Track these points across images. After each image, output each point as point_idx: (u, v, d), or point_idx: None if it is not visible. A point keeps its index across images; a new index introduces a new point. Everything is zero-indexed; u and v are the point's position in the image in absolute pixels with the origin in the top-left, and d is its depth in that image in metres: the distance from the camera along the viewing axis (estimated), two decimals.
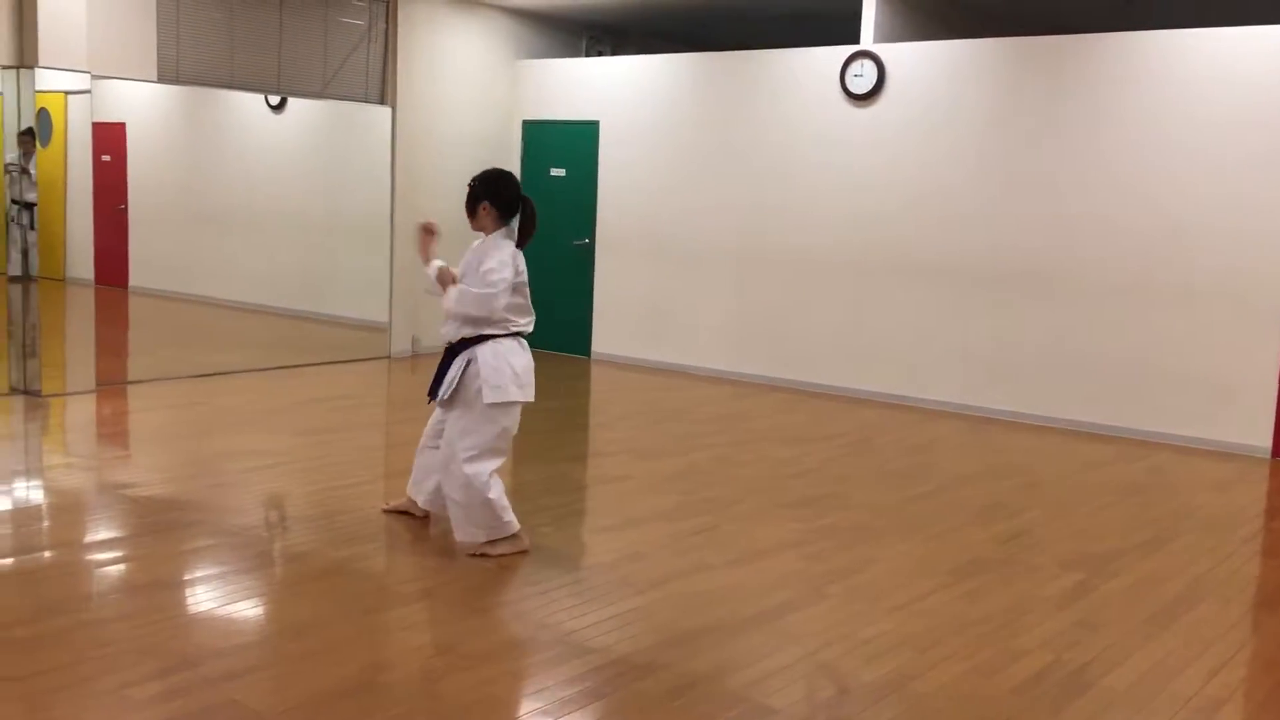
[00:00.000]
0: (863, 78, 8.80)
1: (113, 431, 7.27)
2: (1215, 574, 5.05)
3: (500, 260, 4.69)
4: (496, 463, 4.84)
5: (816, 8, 9.64)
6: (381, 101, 9.81)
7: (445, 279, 4.83)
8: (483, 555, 4.80)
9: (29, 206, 7.79)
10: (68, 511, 5.43)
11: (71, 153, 8.01)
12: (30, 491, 5.78)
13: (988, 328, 8.45)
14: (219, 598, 4.30)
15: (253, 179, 11.49)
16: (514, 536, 4.86)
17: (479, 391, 4.72)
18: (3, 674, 3.53)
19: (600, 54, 11.22)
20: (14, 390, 7.77)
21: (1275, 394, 7.41)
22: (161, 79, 8.33)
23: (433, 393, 4.92)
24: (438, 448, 5.11)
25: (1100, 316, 7.99)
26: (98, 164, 8.50)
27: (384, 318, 10.08)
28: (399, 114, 9.84)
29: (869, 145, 8.85)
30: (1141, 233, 7.80)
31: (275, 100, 10.67)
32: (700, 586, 4.61)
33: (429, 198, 10.01)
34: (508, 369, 4.75)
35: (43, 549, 4.83)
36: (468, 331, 4.78)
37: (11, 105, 7.59)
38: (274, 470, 6.16)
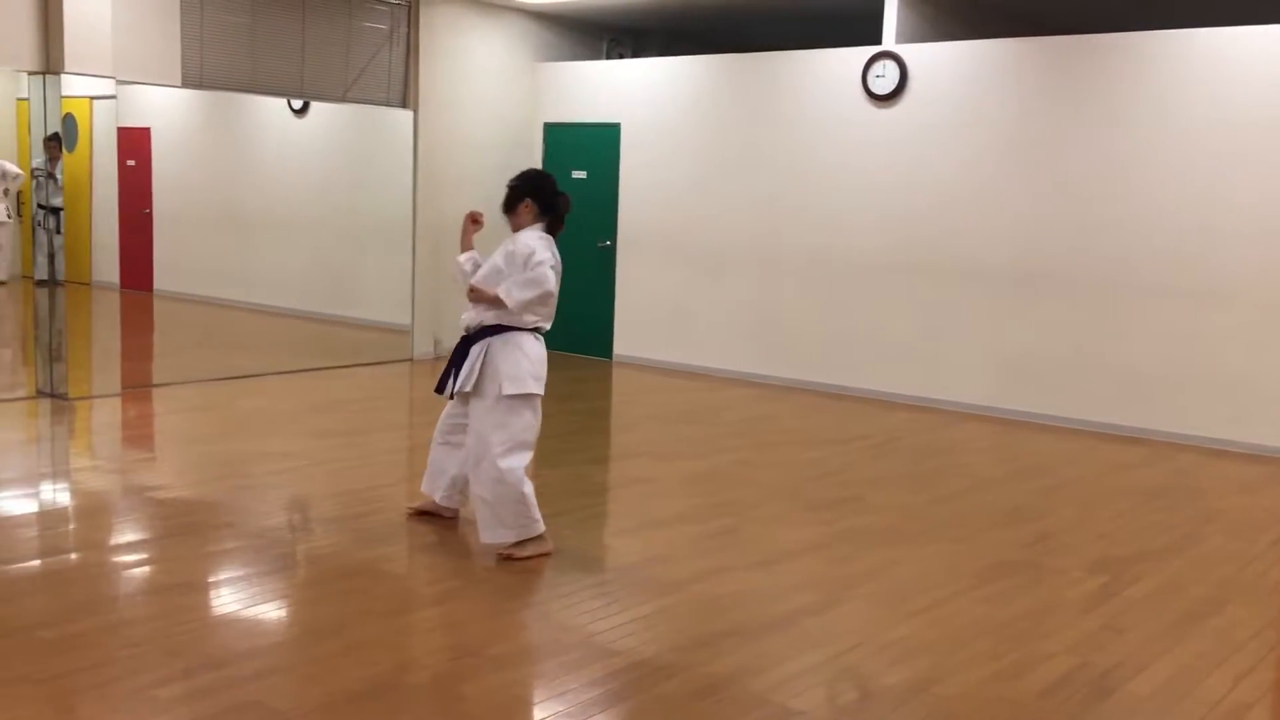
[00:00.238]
0: (885, 78, 8.77)
1: (138, 434, 7.32)
2: (1242, 577, 5.01)
3: (539, 247, 4.75)
4: (528, 457, 4.84)
5: (838, 8, 9.62)
6: (403, 105, 9.85)
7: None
8: (509, 557, 4.81)
9: (55, 211, 7.86)
10: (94, 514, 5.46)
11: (97, 158, 8.07)
12: (57, 494, 5.82)
13: (1013, 329, 8.40)
14: (243, 599, 4.32)
15: (276, 183, 11.56)
16: (539, 538, 4.86)
17: (499, 385, 4.74)
18: (30, 675, 3.56)
19: (621, 56, 11.23)
20: (41, 393, 7.83)
21: None
22: (185, 84, 8.38)
23: (440, 387, 4.94)
24: (448, 444, 5.13)
25: (1126, 317, 7.93)
26: (123, 169, 8.58)
27: (406, 320, 10.10)
28: (421, 117, 9.87)
29: (891, 146, 8.83)
30: (1168, 233, 7.74)
31: (298, 104, 10.73)
32: (723, 589, 4.60)
33: (451, 200, 10.03)
34: (524, 361, 4.76)
35: (69, 551, 4.87)
36: (489, 318, 4.80)
37: (38, 111, 7.65)
38: (297, 472, 6.19)
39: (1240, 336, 7.52)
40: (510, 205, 4.91)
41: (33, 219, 8.03)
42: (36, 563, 4.67)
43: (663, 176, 10.10)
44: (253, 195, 11.77)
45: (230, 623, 4.12)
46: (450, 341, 10.05)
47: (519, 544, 4.82)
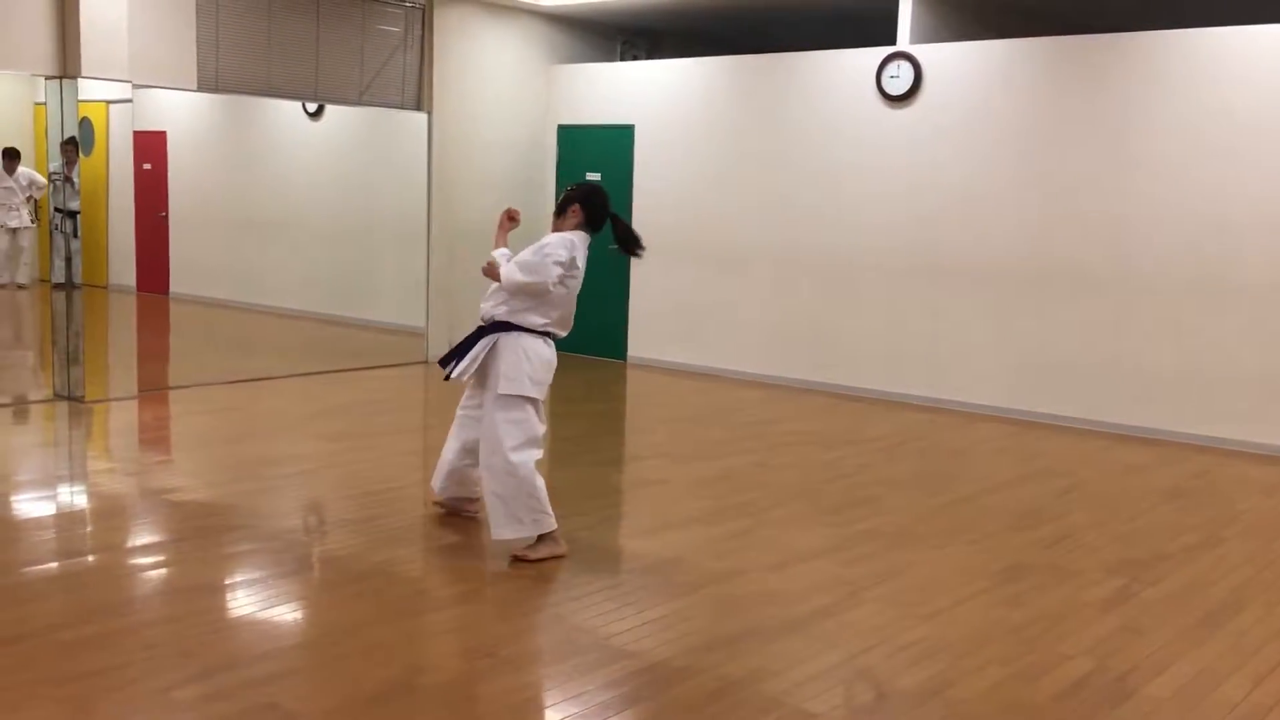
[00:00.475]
0: (899, 79, 8.75)
1: (154, 437, 7.35)
2: (1260, 579, 4.98)
3: (560, 244, 4.76)
4: (538, 453, 4.86)
5: (852, 9, 9.61)
6: (418, 107, 9.87)
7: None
8: (522, 559, 4.81)
9: (72, 215, 7.90)
10: (111, 516, 5.49)
11: (113, 161, 8.11)
12: (74, 496, 5.85)
13: (1028, 330, 8.37)
14: (260, 601, 4.34)
15: (291, 186, 11.59)
16: (552, 540, 4.86)
17: (497, 382, 4.78)
18: (48, 676, 3.58)
19: (635, 58, 11.23)
20: (58, 396, 7.88)
21: None
22: (201, 88, 8.41)
23: (444, 362, 4.96)
24: (455, 436, 5.15)
25: (1143, 317, 7.90)
26: (139, 172, 8.62)
27: (421, 322, 10.12)
28: (435, 120, 9.89)
29: (906, 147, 8.80)
30: (1183, 232, 7.70)
31: (313, 107, 10.76)
32: (738, 591, 4.59)
33: (465, 202, 10.06)
34: (526, 363, 4.78)
35: (87, 553, 4.89)
36: (502, 312, 4.81)
37: (55, 115, 7.69)
38: (313, 475, 6.20)
39: (1257, 336, 7.47)
40: (561, 208, 4.98)
41: (50, 223, 8.07)
42: (54, 565, 4.69)
43: (676, 178, 10.09)
44: (268, 198, 11.81)
45: (246, 624, 4.13)
46: None
47: (532, 545, 4.83)
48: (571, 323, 4.93)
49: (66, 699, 3.44)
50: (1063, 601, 4.61)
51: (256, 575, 4.62)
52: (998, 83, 8.38)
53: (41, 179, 9.38)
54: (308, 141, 11.29)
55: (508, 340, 4.81)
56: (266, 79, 8.80)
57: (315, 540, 5.20)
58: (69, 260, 7.86)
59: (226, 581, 4.57)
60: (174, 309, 11.99)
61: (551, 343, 4.91)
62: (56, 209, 7.94)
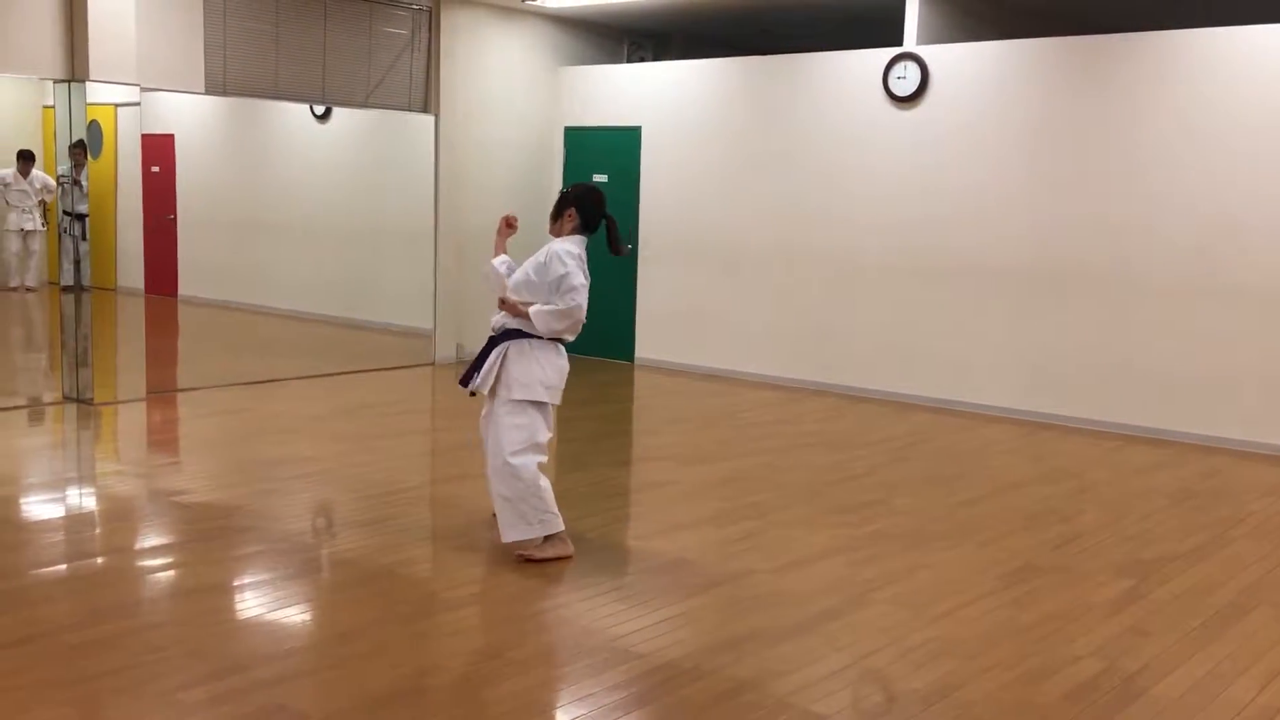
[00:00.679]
0: (906, 80, 8.74)
1: (163, 439, 7.36)
2: (1269, 580, 4.96)
3: (572, 267, 4.77)
4: (541, 459, 4.87)
5: (858, 10, 9.60)
6: (425, 110, 9.88)
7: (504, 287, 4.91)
8: (528, 559, 4.82)
9: (80, 217, 7.92)
10: (119, 518, 5.50)
11: (122, 164, 8.14)
12: (83, 498, 5.86)
13: (1038, 331, 8.36)
14: (268, 603, 4.34)
15: (298, 188, 11.62)
16: (560, 541, 4.87)
17: (510, 389, 4.79)
18: (56, 678, 3.59)
19: (642, 59, 11.23)
20: (67, 398, 7.90)
21: None
22: (209, 91, 8.43)
23: (464, 380, 4.97)
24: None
25: (1152, 318, 7.88)
26: (147, 175, 8.63)
27: (428, 324, 10.13)
28: (442, 122, 9.90)
29: (913, 148, 8.79)
30: (1193, 233, 7.68)
31: (320, 110, 10.78)
32: (746, 592, 4.59)
33: (473, 204, 10.07)
34: (538, 369, 4.80)
35: (95, 555, 4.90)
36: (512, 323, 4.84)
37: (63, 118, 7.71)
38: (321, 477, 6.21)
39: (1266, 336, 7.45)
40: (556, 212, 4.97)
41: (59, 226, 8.10)
42: (63, 567, 4.70)
43: (684, 179, 10.09)
44: (276, 200, 11.84)
45: (254, 626, 4.14)
46: (472, 345, 10.10)
47: (539, 545, 4.84)
48: (580, 328, 4.93)
49: (75, 701, 3.45)
50: (1072, 602, 4.60)
51: (265, 577, 4.63)
52: (1005, 83, 8.37)
53: (53, 182, 9.41)
54: (315, 144, 11.31)
55: (518, 348, 4.83)
56: (274, 82, 8.82)
57: (323, 542, 5.20)
58: (78, 263, 7.88)
59: (235, 583, 4.58)
60: (182, 311, 12.03)
61: (562, 348, 4.93)
62: (65, 212, 7.96)
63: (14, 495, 5.77)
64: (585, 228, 4.93)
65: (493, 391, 4.90)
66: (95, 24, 7.53)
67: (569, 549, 4.89)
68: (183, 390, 8.62)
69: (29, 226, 10.74)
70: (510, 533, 4.84)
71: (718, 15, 10.33)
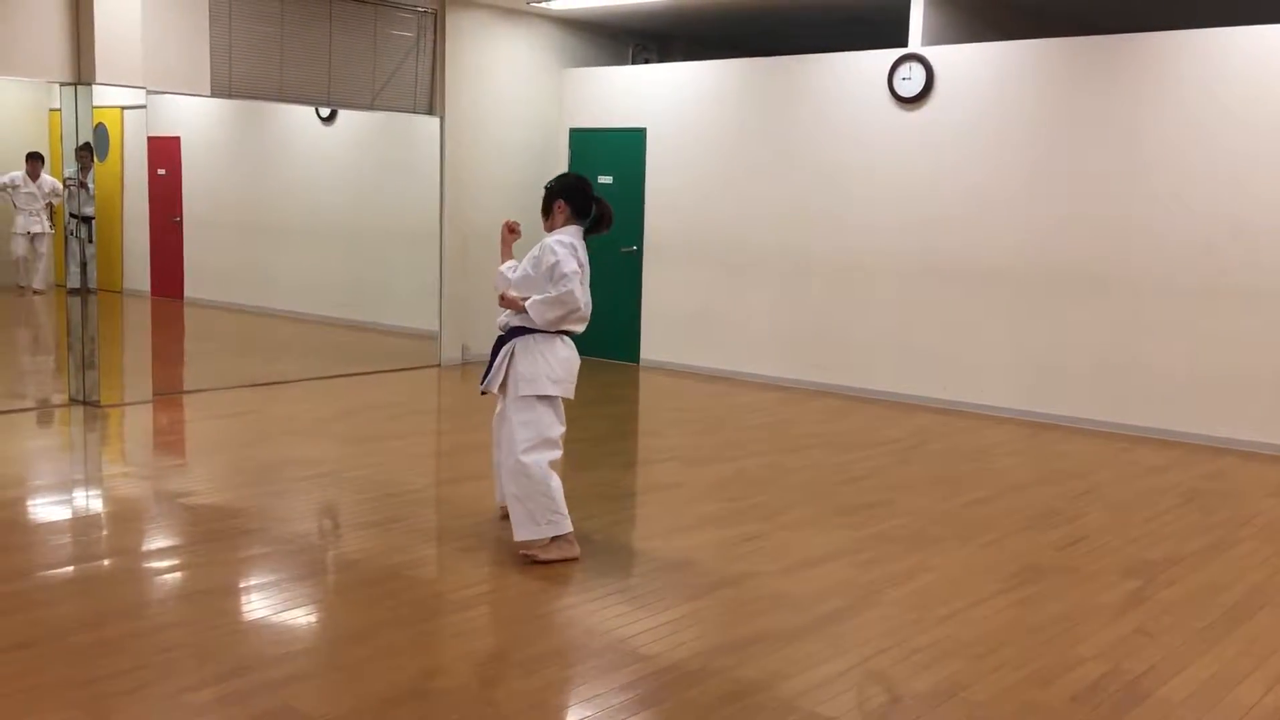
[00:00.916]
0: (911, 80, 8.74)
1: (169, 441, 7.38)
2: (1276, 581, 4.95)
3: (562, 254, 4.75)
4: (552, 455, 4.87)
5: (863, 10, 9.60)
6: (430, 112, 9.89)
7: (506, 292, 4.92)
8: (532, 559, 4.82)
9: (87, 220, 7.93)
10: (126, 520, 5.51)
11: (128, 167, 8.15)
12: (90, 500, 5.88)
13: (1043, 332, 8.35)
14: (274, 604, 4.35)
15: (304, 190, 11.64)
16: (566, 542, 4.87)
17: (518, 385, 4.80)
18: (64, 679, 3.60)
19: (647, 61, 11.24)
20: (74, 400, 7.91)
21: None
22: (214, 93, 8.45)
23: (482, 381, 4.99)
24: (498, 445, 5.16)
25: (1158, 319, 7.87)
26: (153, 177, 8.66)
27: (434, 326, 10.14)
28: (447, 124, 9.91)
29: (918, 149, 8.79)
30: (1197, 234, 7.67)
31: (325, 112, 10.80)
32: (751, 593, 4.59)
33: (478, 206, 10.08)
34: (542, 363, 4.80)
35: (102, 557, 4.92)
36: (517, 321, 4.84)
37: (70, 121, 7.73)
38: (327, 478, 6.22)
39: (1273, 336, 7.43)
40: (546, 208, 4.96)
41: (65, 228, 8.12)
42: (70, 569, 4.72)
43: (689, 180, 10.10)
44: (282, 203, 11.86)
45: (261, 628, 4.14)
46: (477, 347, 10.12)
47: (544, 546, 4.84)
48: (588, 317, 4.90)
49: (82, 702, 3.46)
50: (1078, 604, 4.60)
51: (271, 579, 4.64)
52: (1010, 84, 8.36)
53: (60, 185, 9.44)
54: (320, 146, 11.33)
55: (524, 344, 4.84)
56: (279, 84, 8.84)
57: (330, 544, 5.21)
58: (84, 265, 7.90)
59: (241, 585, 4.58)
60: (188, 313, 12.06)
61: (569, 341, 4.92)
62: (72, 214, 7.98)
63: (21, 497, 5.79)
64: (579, 215, 4.91)
65: (504, 389, 4.92)
66: (101, 27, 7.55)
67: (575, 550, 4.89)
68: (189, 392, 8.63)
69: (35, 229, 10.77)
70: (521, 531, 4.85)
71: (722, 17, 10.33)
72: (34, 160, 10.62)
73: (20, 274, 11.00)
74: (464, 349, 10.18)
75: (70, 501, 5.81)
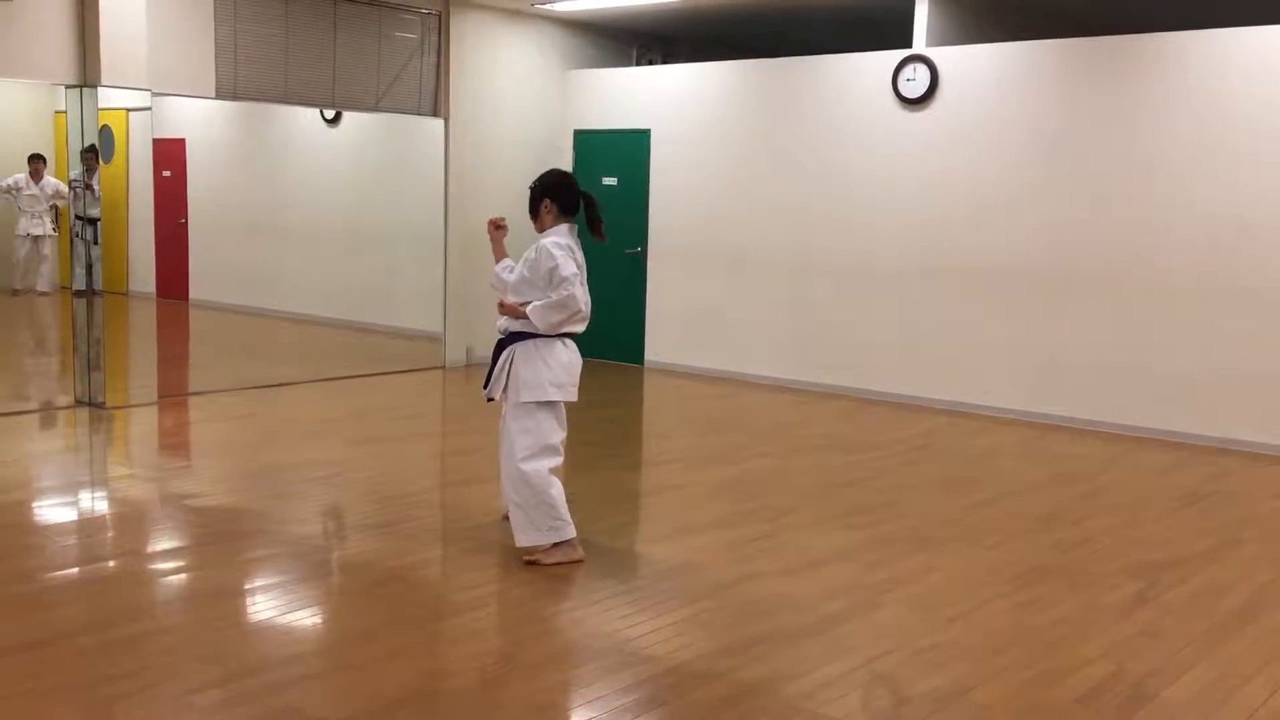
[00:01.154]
0: (915, 82, 8.74)
1: (174, 442, 7.39)
2: None
3: (560, 257, 4.72)
4: (553, 461, 4.86)
5: (867, 12, 9.60)
6: (434, 114, 9.90)
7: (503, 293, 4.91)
8: (535, 562, 4.82)
9: (92, 222, 7.95)
10: (131, 521, 5.52)
11: (133, 169, 8.16)
12: (95, 502, 5.89)
13: (1047, 333, 8.34)
14: (279, 606, 4.35)
15: (309, 192, 11.65)
16: (569, 545, 4.87)
17: (519, 391, 4.78)
18: (69, 681, 3.60)
19: (651, 63, 11.24)
20: (79, 402, 7.93)
21: None
22: (219, 95, 8.46)
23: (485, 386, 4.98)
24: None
25: (1164, 320, 7.86)
26: (158, 179, 8.66)
27: (439, 328, 10.15)
28: (452, 126, 9.92)
29: (922, 150, 8.79)
30: (1202, 235, 7.66)
31: (330, 114, 10.81)
32: (756, 595, 4.59)
33: (482, 208, 10.04)
34: (544, 368, 4.77)
35: (107, 558, 4.92)
36: (517, 326, 4.82)
37: (75, 123, 7.75)
38: (332, 480, 6.22)
39: (1278, 338, 7.42)
40: (532, 208, 4.94)
41: (70, 230, 8.13)
42: (75, 570, 4.72)
43: (693, 182, 10.10)
44: (286, 204, 11.87)
45: (266, 629, 4.15)
46: (482, 349, 10.12)
47: (546, 550, 4.84)
48: (589, 316, 4.87)
49: (88, 704, 3.46)
50: (1083, 605, 4.59)
51: (276, 580, 4.64)
52: (1015, 85, 8.36)
53: (64, 188, 9.46)
54: (325, 148, 11.34)
55: (524, 349, 4.81)
56: (284, 86, 8.85)
57: (335, 545, 5.22)
58: (89, 267, 7.91)
59: (246, 586, 4.59)
60: (194, 315, 12.07)
61: (571, 343, 4.90)
62: (77, 216, 7.99)
63: (27, 499, 5.80)
64: (565, 212, 4.87)
65: (504, 396, 4.90)
66: (107, 29, 7.56)
67: (578, 554, 4.88)
68: (194, 394, 8.64)
69: (38, 232, 10.78)
70: (522, 537, 4.85)
71: (726, 18, 10.33)
72: (36, 162, 10.64)
73: (18, 276, 11.01)
74: (468, 351, 10.18)
75: (76, 503, 5.82)
